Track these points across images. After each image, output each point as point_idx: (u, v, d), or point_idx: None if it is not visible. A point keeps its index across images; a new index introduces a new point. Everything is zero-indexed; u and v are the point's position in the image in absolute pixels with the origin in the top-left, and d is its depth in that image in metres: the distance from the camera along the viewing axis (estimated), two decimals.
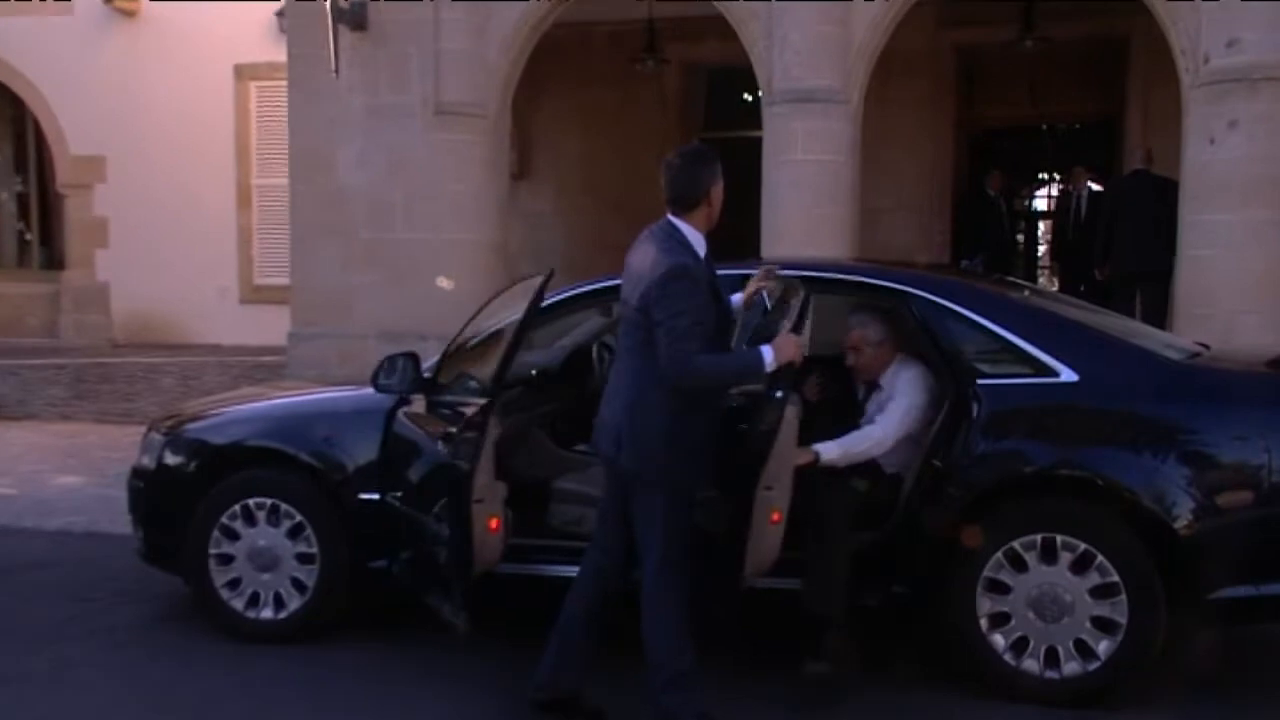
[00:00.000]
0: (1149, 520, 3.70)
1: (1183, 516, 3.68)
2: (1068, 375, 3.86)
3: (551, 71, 10.61)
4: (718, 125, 11.62)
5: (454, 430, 3.90)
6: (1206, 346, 4.56)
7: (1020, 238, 16.07)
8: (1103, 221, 8.78)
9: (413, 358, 4.32)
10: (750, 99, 9.47)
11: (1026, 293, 4.68)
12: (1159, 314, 8.12)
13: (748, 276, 4.35)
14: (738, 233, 9.48)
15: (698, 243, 3.45)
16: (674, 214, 3.45)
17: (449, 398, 4.20)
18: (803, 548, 3.80)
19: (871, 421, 4.14)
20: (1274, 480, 3.67)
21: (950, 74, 10.64)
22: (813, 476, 3.88)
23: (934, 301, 4.05)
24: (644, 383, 3.42)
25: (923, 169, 10.46)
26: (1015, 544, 3.79)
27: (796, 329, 3.47)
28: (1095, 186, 10.89)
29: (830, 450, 4.01)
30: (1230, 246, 6.94)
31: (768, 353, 3.38)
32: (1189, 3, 6.98)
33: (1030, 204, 17.21)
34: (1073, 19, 9.42)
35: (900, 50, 8.62)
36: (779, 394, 3.38)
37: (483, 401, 3.85)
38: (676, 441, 3.40)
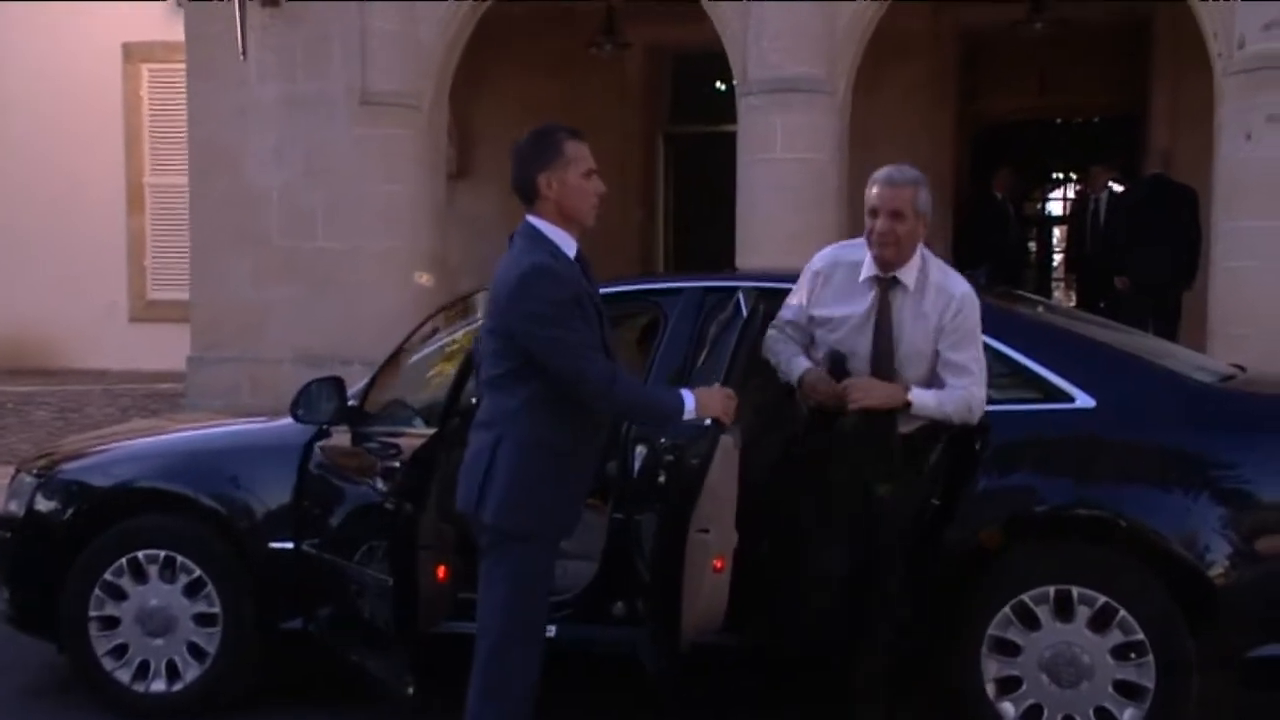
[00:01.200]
0: (1179, 568, 3.72)
1: (1218, 563, 3.71)
2: (1084, 401, 3.90)
3: (496, 56, 10.61)
4: (686, 118, 11.71)
5: (395, 465, 3.88)
6: (1242, 368, 4.62)
7: (1032, 245, 16.30)
8: (1119, 230, 9.01)
9: (336, 384, 4.30)
10: (724, 89, 9.54)
11: (1038, 308, 4.74)
12: (1171, 330, 8.31)
13: (645, 292, 4.33)
14: (711, 241, 9.64)
15: (564, 243, 3.32)
16: (529, 211, 3.37)
17: (378, 429, 4.18)
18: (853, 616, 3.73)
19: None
20: None
21: (951, 60, 10.78)
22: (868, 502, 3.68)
23: None
24: (511, 420, 3.27)
25: (920, 168, 10.54)
26: (1025, 597, 3.80)
27: (729, 377, 3.42)
28: (1117, 188, 11.07)
29: (925, 399, 3.65)
30: (1271, 257, 7.06)
31: (689, 399, 3.30)
32: None
33: (1044, 207, 17.44)
34: None
35: (893, 33, 8.73)
36: (710, 421, 3.38)
37: (420, 432, 3.84)
38: (552, 491, 3.30)
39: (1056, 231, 16.45)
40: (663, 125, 11.86)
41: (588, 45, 10.79)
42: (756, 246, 7.95)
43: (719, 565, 3.56)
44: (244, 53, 8.43)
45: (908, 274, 3.78)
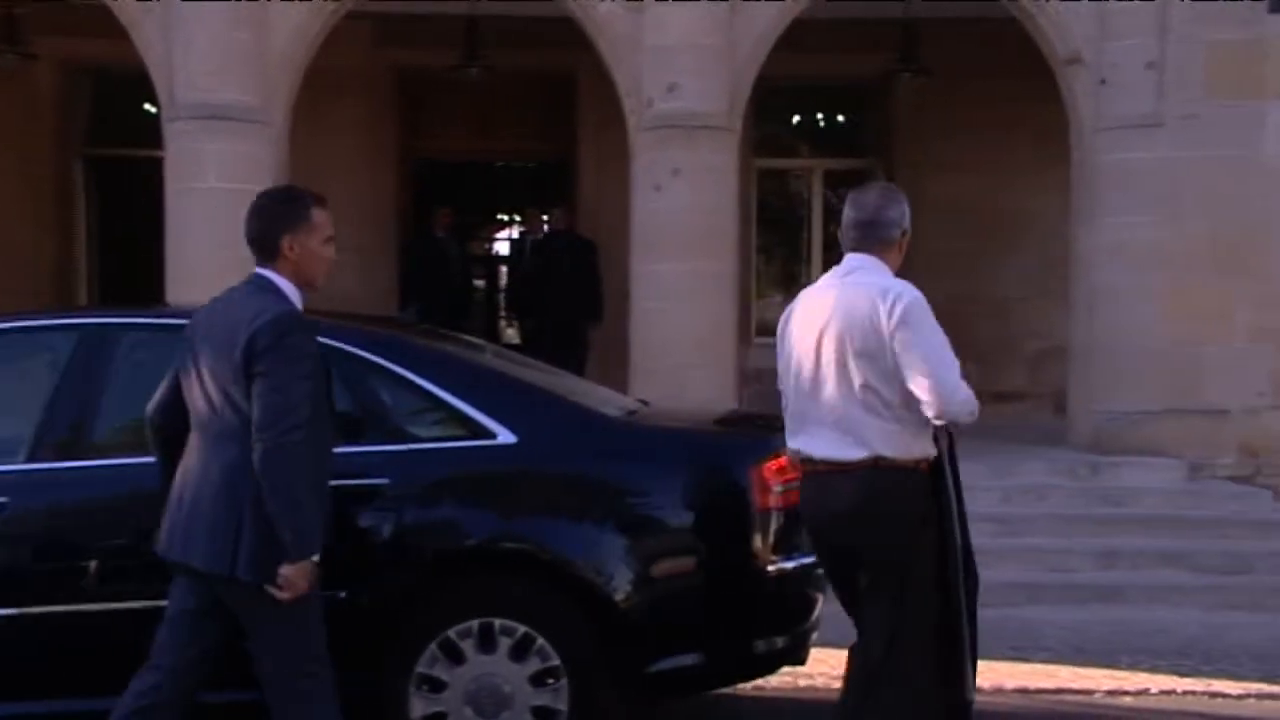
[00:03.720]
0: (592, 594, 3.96)
1: (623, 587, 3.98)
2: (505, 437, 4.05)
3: None
4: (109, 140, 10.96)
5: None
6: (646, 402, 5.05)
7: (480, 284, 16.92)
8: (525, 280, 10.01)
9: None
10: (154, 111, 9.05)
11: (462, 346, 4.89)
12: (580, 366, 9.21)
13: (34, 329, 4.17)
14: (138, 272, 9.05)
15: (296, 298, 3.43)
16: (260, 264, 3.45)
17: None
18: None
19: None
20: (713, 543, 4.11)
21: (391, 98, 10.94)
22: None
23: (356, 355, 4.09)
24: (248, 474, 3.26)
25: (363, 205, 10.61)
26: (451, 632, 3.90)
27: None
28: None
29: None
30: (678, 298, 7.85)
31: (310, 552, 3.27)
32: (631, 42, 7.83)
33: (492, 247, 18.18)
34: (518, 48, 10.13)
35: (333, 67, 8.73)
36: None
37: None
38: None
39: (504, 270, 17.21)
40: (80, 145, 11.01)
41: None
42: (188, 279, 7.62)
43: None
44: None
45: None
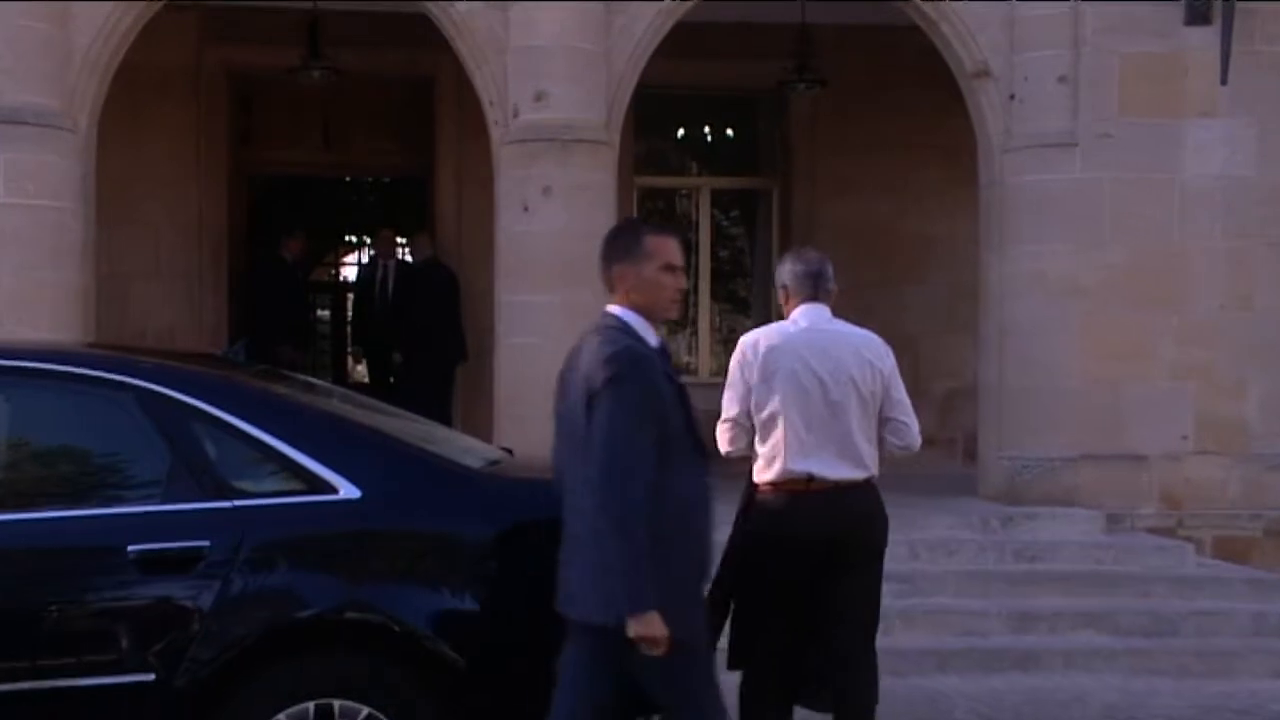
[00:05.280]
0: (446, 670, 3.91)
1: (482, 662, 3.93)
2: (349, 491, 4.00)
3: None
4: None
5: None
6: (510, 451, 5.02)
7: (325, 314, 16.70)
8: (378, 312, 10.22)
9: None
10: None
11: (299, 388, 4.81)
12: (446, 408, 9.23)
13: None
14: None
15: (645, 331, 3.72)
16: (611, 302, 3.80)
17: None
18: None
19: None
20: None
21: (221, 102, 10.76)
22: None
23: (173, 398, 4.02)
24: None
25: (188, 225, 10.43)
26: (282, 716, 3.81)
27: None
28: (408, 256, 11.66)
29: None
30: (549, 333, 7.75)
31: (650, 608, 3.48)
32: (495, 43, 7.82)
33: (339, 273, 17.96)
34: (368, 49, 10.07)
35: (152, 66, 8.61)
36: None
37: None
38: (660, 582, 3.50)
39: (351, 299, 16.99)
40: None
41: None
42: None
43: None
44: None
45: None
